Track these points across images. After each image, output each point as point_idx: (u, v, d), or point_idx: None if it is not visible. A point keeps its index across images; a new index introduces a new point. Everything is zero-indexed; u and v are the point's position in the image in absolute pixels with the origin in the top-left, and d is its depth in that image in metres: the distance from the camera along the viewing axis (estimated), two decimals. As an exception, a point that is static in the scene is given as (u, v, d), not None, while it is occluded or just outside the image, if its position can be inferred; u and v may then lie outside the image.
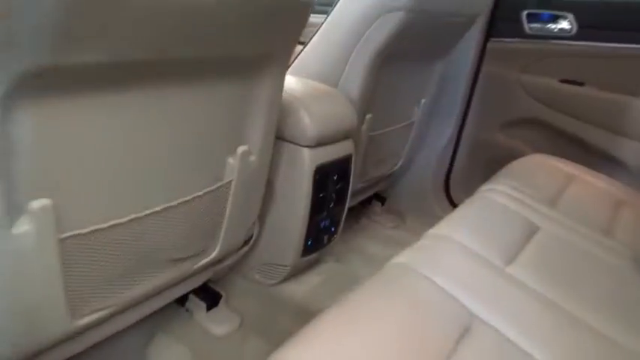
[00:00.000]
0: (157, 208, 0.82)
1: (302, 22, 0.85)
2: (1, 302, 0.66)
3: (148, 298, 0.94)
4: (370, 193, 1.75)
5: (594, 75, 1.59)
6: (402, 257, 0.81)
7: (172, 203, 0.85)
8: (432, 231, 0.93)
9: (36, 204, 0.64)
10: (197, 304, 1.21)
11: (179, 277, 0.98)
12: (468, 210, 1.05)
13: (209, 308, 1.20)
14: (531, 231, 1.01)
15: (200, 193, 0.90)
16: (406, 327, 0.64)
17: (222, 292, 1.23)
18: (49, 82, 0.59)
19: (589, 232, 1.09)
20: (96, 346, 1.01)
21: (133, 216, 0.78)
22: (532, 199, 1.17)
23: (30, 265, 0.66)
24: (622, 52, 1.53)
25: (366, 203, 1.88)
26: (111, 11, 0.56)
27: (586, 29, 1.59)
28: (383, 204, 1.90)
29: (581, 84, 1.62)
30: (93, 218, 0.73)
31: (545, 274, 0.86)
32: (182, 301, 1.22)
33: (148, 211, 0.80)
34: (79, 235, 0.71)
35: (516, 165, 1.41)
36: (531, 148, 1.66)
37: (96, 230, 0.73)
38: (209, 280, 1.20)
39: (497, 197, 1.14)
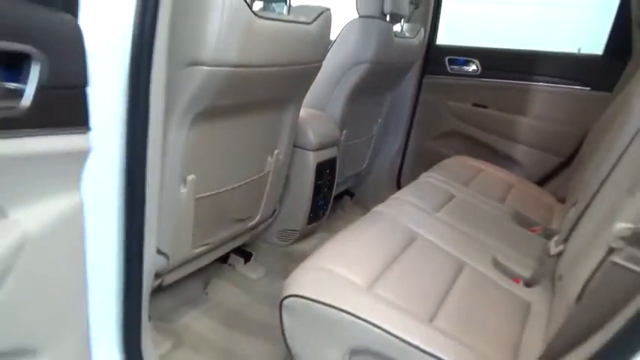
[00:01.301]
0: (236, 185, 1.42)
1: (314, 77, 1.48)
2: (171, 228, 1.22)
3: (222, 243, 1.52)
4: (344, 187, 2.38)
5: (494, 100, 2.31)
6: (376, 209, 1.45)
7: (242, 182, 1.44)
8: (392, 196, 1.57)
9: (189, 177, 1.23)
10: (237, 260, 1.78)
11: (236, 232, 1.57)
12: (412, 188, 1.70)
13: (245, 262, 1.78)
14: (451, 197, 1.67)
15: (255, 177, 1.50)
16: (375, 241, 1.26)
17: (253, 252, 1.82)
18: (203, 114, 1.18)
19: (488, 200, 1.77)
20: (174, 287, 1.56)
21: (226, 187, 1.37)
22: (452, 181, 1.84)
23: (184, 208, 1.24)
24: (510, 85, 2.27)
25: (339, 198, 2.50)
26: (240, 87, 1.17)
27: (487, 70, 2.32)
28: (352, 198, 2.54)
29: (485, 107, 2.34)
30: (210, 188, 1.31)
31: (459, 217, 1.51)
32: (225, 260, 1.79)
33: (233, 185, 1.40)
34: (203, 196, 1.30)
35: (444, 163, 2.08)
36: (455, 152, 2.34)
37: (211, 194, 1.32)
38: (244, 245, 1.78)
39: (430, 180, 1.80)
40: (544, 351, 0.84)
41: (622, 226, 0.70)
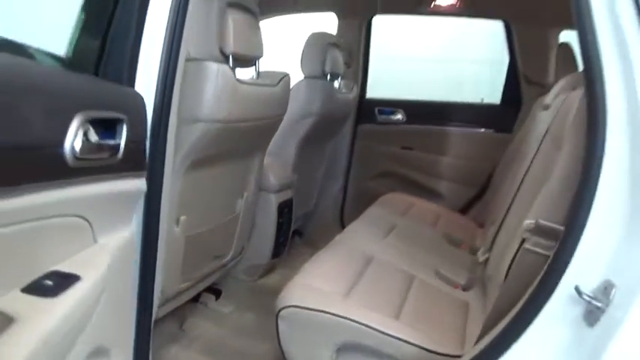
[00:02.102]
0: (215, 224, 1.62)
1: (277, 128, 1.76)
2: (165, 264, 1.39)
3: (203, 278, 1.69)
4: (294, 227, 2.61)
5: (418, 143, 2.71)
6: (338, 238, 1.70)
7: (220, 222, 1.65)
8: (348, 228, 1.84)
9: (182, 218, 1.42)
10: (208, 297, 1.94)
11: (214, 268, 1.74)
12: (362, 221, 1.98)
13: (216, 299, 1.94)
14: (394, 226, 1.97)
15: (230, 217, 1.71)
16: (343, 262, 1.51)
17: (222, 289, 1.98)
18: (195, 163, 1.40)
19: (423, 227, 2.10)
20: (155, 324, 1.68)
21: (209, 227, 1.57)
22: (392, 213, 2.15)
23: (177, 246, 1.42)
24: (431, 130, 2.69)
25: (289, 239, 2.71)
26: (226, 138, 1.41)
27: (410, 118, 2.73)
28: (301, 237, 2.77)
29: (411, 149, 2.73)
30: (197, 227, 1.51)
31: (403, 241, 1.81)
32: (196, 299, 1.93)
33: (214, 225, 1.60)
34: (191, 235, 1.49)
35: (382, 199, 2.39)
36: (389, 190, 2.66)
37: (197, 233, 1.51)
38: (213, 283, 1.94)
39: (374, 214, 2.10)
40: (483, 324, 1.12)
41: (528, 221, 1.02)
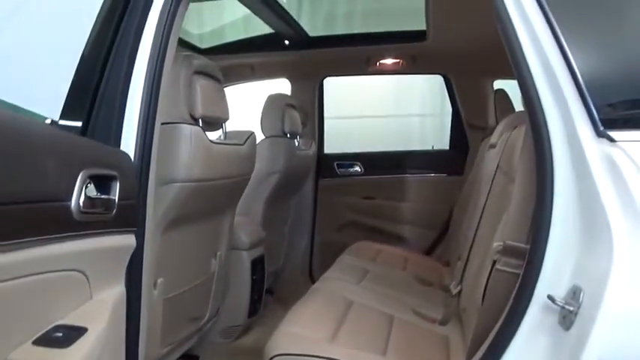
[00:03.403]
0: (191, 285, 1.61)
1: (245, 186, 1.81)
2: (144, 329, 1.36)
3: (179, 345, 1.65)
4: (265, 286, 2.60)
5: (378, 192, 2.83)
6: (315, 286, 1.73)
7: (197, 282, 1.64)
8: (323, 276, 1.87)
9: (159, 280, 1.42)
10: (185, 365, 1.88)
11: (191, 332, 1.71)
12: (336, 269, 2.02)
13: (194, 365, 1.89)
14: (366, 272, 2.02)
15: (204, 278, 1.70)
16: (324, 309, 1.53)
17: (199, 354, 1.93)
18: (171, 223, 1.41)
19: (394, 270, 2.16)
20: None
21: (184, 288, 1.56)
22: (362, 260, 2.20)
23: (155, 309, 1.40)
24: (388, 179, 2.82)
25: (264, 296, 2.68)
26: (200, 197, 1.45)
27: (368, 169, 2.86)
28: (272, 295, 2.75)
29: (373, 198, 2.84)
30: (173, 289, 1.50)
31: (377, 285, 1.86)
32: (174, 367, 1.87)
33: (189, 285, 1.59)
34: (168, 297, 1.47)
35: (351, 248, 2.45)
36: (355, 240, 2.72)
37: (174, 295, 1.50)
38: (189, 349, 1.89)
39: (346, 262, 2.14)
40: (468, 349, 1.17)
41: (496, 244, 1.10)
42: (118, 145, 0.92)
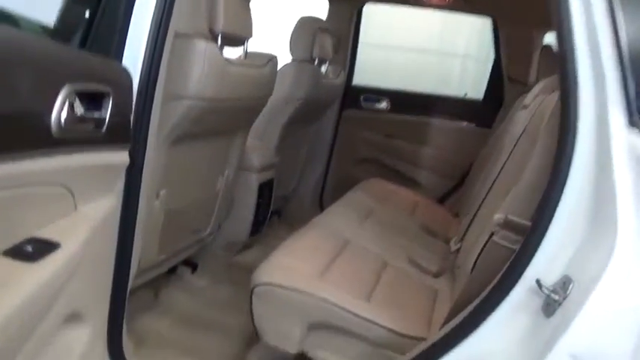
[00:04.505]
0: (195, 200, 1.63)
1: (262, 110, 1.77)
2: (143, 236, 1.40)
3: (179, 252, 1.71)
4: (273, 208, 2.63)
5: (401, 132, 2.75)
6: (316, 219, 1.74)
7: (200, 198, 1.66)
8: (327, 210, 1.88)
9: (162, 192, 1.43)
10: (184, 270, 1.96)
11: (191, 243, 1.76)
12: (341, 204, 2.02)
13: (192, 272, 1.96)
14: (372, 211, 2.01)
15: (209, 194, 1.72)
16: (320, 243, 1.54)
17: (198, 262, 2.00)
18: (178, 139, 1.40)
19: (401, 214, 2.14)
20: (131, 294, 1.71)
21: (188, 202, 1.58)
22: (371, 199, 2.19)
23: (155, 219, 1.44)
24: (414, 120, 2.73)
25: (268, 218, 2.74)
26: (210, 117, 1.42)
27: (395, 107, 2.76)
28: (279, 217, 2.80)
29: (395, 138, 2.76)
30: (176, 201, 1.52)
31: (380, 226, 1.85)
32: (173, 270, 1.95)
33: (193, 200, 1.61)
34: (170, 209, 1.50)
35: (362, 184, 2.43)
36: (369, 176, 2.70)
37: (176, 207, 1.53)
38: (190, 256, 1.96)
39: (354, 198, 2.13)
40: (450, 310, 1.17)
41: (498, 216, 1.06)
42: (120, 57, 0.88)
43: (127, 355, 1.25)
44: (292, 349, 1.26)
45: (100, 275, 0.88)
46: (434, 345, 1.02)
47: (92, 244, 0.79)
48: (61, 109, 0.64)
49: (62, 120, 0.65)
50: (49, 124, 0.63)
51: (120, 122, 0.84)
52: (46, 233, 0.68)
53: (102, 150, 0.79)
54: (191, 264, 1.98)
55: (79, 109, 0.69)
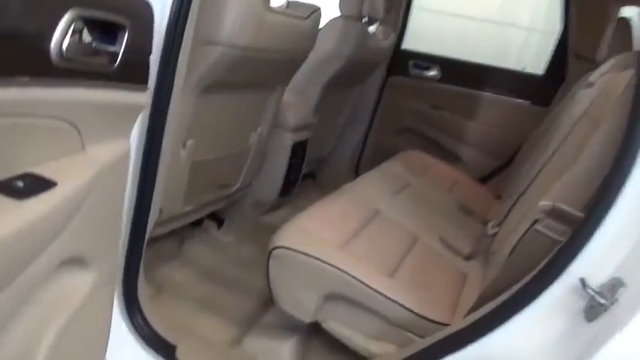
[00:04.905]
0: (224, 154, 1.58)
1: (301, 65, 1.67)
2: (168, 185, 1.37)
3: (205, 205, 1.68)
4: (307, 170, 2.56)
5: (449, 104, 2.59)
6: (347, 186, 1.66)
7: (229, 152, 1.61)
8: (360, 177, 1.79)
9: (189, 142, 1.39)
10: (210, 224, 1.94)
11: (217, 197, 1.73)
12: (376, 173, 1.92)
13: (218, 227, 1.94)
14: (408, 184, 1.91)
15: (240, 149, 1.67)
16: (347, 211, 1.47)
17: (225, 218, 1.98)
18: (209, 88, 1.34)
19: (438, 190, 2.03)
20: (151, 243, 1.70)
21: (216, 155, 1.54)
22: (408, 171, 2.08)
23: (181, 169, 1.40)
24: (464, 92, 2.56)
25: (300, 183, 2.68)
26: (244, 67, 1.34)
27: (445, 76, 2.59)
28: (313, 180, 2.74)
29: (441, 109, 2.61)
30: (204, 153, 1.47)
31: (414, 201, 1.76)
32: (199, 223, 1.94)
33: (222, 154, 1.56)
34: (198, 160, 1.45)
35: (401, 155, 2.31)
36: (410, 148, 2.57)
37: (204, 159, 1.48)
38: (217, 211, 1.94)
39: (390, 169, 2.03)
40: (478, 297, 1.08)
41: (545, 202, 0.95)
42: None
43: (142, 302, 1.23)
44: (306, 318, 1.21)
45: (109, 221, 0.84)
46: (458, 333, 0.94)
47: (98, 188, 0.74)
48: (64, 35, 0.58)
49: (64, 48, 0.58)
50: (47, 50, 0.57)
51: (136, 60, 0.78)
52: (44, 170, 0.63)
53: (113, 88, 0.73)
54: (217, 219, 1.96)
55: (87, 39, 0.63)
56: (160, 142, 1.08)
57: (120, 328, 1.20)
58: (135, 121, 0.86)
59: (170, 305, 1.47)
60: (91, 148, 0.75)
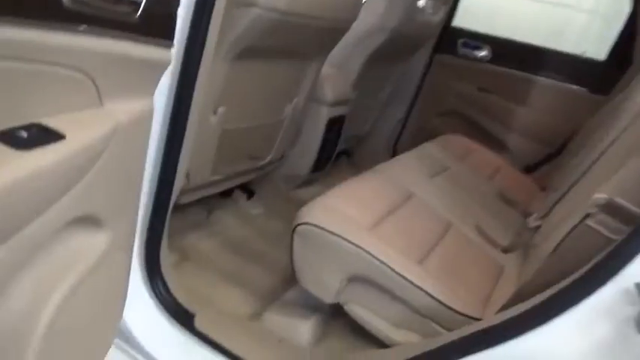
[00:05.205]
0: (257, 124, 1.53)
1: (343, 35, 1.59)
2: (196, 152, 1.33)
3: (234, 176, 1.64)
4: (343, 147, 2.49)
5: (498, 87, 2.44)
6: (381, 166, 1.58)
7: (262, 122, 1.56)
8: (396, 157, 1.71)
9: (220, 109, 1.34)
10: (240, 195, 1.91)
11: (248, 168, 1.69)
12: (414, 154, 1.83)
13: (248, 198, 1.91)
14: (446, 168, 1.81)
15: (274, 120, 1.61)
16: (379, 192, 1.39)
17: (255, 190, 1.94)
18: (243, 53, 1.28)
19: (478, 177, 1.92)
20: (179, 210, 1.68)
21: (249, 124, 1.49)
22: (448, 155, 1.97)
23: (211, 136, 1.36)
24: (515, 75, 2.40)
25: (336, 156, 2.61)
26: (282, 33, 1.27)
27: (496, 57, 2.44)
28: (349, 158, 2.66)
29: (490, 92, 2.47)
30: (235, 122, 1.43)
31: (451, 186, 1.66)
32: (228, 194, 1.91)
33: (255, 123, 1.51)
34: (228, 129, 1.41)
35: (442, 138, 2.20)
36: (452, 131, 2.45)
37: (235, 128, 1.44)
38: (248, 182, 1.90)
39: (429, 151, 1.93)
40: (515, 292, 1.00)
41: (599, 195, 0.85)
42: None
43: (163, 268, 1.22)
44: (328, 299, 1.16)
45: (127, 183, 0.81)
46: (489, 329, 0.86)
47: (116, 146, 0.70)
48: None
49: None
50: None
51: (161, 12, 0.73)
52: (54, 122, 0.59)
53: (135, 40, 0.68)
54: (248, 190, 1.93)
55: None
56: (189, 105, 1.04)
57: (140, 292, 1.19)
58: (158, 79, 0.81)
59: (193, 274, 1.46)
60: (110, 104, 0.71)
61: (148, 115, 0.82)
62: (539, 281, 0.94)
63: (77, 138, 0.61)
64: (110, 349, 0.98)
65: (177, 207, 1.62)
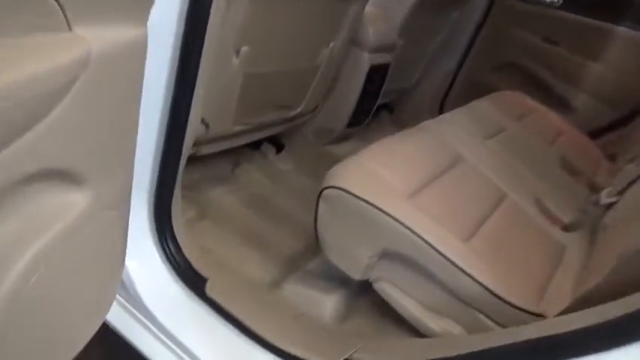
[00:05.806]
0: (285, 69, 1.35)
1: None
2: (216, 97, 1.17)
3: (260, 127, 1.48)
4: (384, 101, 2.28)
5: (566, 38, 2.13)
6: (425, 123, 1.38)
7: (292, 68, 1.38)
8: (443, 115, 1.50)
9: (243, 49, 1.16)
10: (269, 148, 1.76)
11: (276, 119, 1.52)
12: (464, 111, 1.61)
13: (277, 152, 1.76)
14: (501, 129, 1.58)
15: (306, 66, 1.43)
16: (421, 153, 1.20)
17: (286, 144, 1.78)
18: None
19: (538, 140, 1.69)
20: (203, 161, 1.54)
21: (276, 69, 1.31)
22: (504, 114, 1.73)
23: (232, 80, 1.19)
24: (589, 24, 2.08)
25: (377, 111, 2.40)
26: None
27: (568, 2, 2.11)
28: (391, 113, 2.45)
29: (556, 43, 2.16)
30: (261, 65, 1.25)
31: (507, 150, 1.45)
32: (257, 146, 1.76)
33: (283, 68, 1.33)
34: (253, 72, 1.24)
35: (498, 94, 1.95)
36: (508, 88, 2.19)
37: (260, 72, 1.26)
38: (278, 135, 1.74)
39: (482, 109, 1.70)
40: (583, 293, 0.81)
41: None
42: None
43: (175, 226, 1.09)
44: (356, 274, 1.01)
45: (110, 133, 0.66)
46: (562, 337, 0.67)
47: (88, 85, 0.55)
48: None
49: None
50: None
51: None
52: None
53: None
54: (277, 144, 1.78)
55: None
56: (202, 40, 0.87)
57: (148, 249, 1.08)
58: (150, 4, 0.64)
59: (210, 232, 1.33)
60: (81, 30, 0.55)
61: (140, 48, 0.66)
62: (620, 279, 0.75)
63: (25, 69, 0.46)
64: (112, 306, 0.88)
65: (199, 158, 1.49)
